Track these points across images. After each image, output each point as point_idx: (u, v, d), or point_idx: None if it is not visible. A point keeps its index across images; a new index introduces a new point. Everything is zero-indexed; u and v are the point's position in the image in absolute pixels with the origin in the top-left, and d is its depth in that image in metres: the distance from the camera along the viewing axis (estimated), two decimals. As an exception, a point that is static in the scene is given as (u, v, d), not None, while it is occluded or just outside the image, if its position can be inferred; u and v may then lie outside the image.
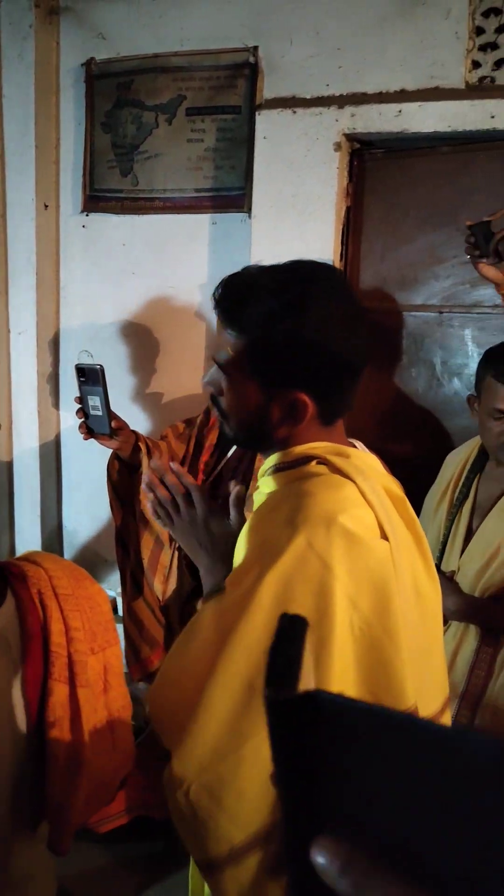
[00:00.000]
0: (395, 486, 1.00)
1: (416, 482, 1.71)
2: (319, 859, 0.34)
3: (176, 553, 2.12)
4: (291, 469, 0.96)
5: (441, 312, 2.23)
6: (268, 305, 0.91)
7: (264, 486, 1.00)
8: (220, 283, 0.97)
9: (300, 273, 0.94)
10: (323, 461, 0.94)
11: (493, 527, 1.62)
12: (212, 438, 2.09)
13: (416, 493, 1.45)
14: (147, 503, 1.14)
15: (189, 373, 2.56)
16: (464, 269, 2.17)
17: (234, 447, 1.97)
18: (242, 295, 0.94)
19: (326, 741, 0.35)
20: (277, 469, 0.98)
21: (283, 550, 0.84)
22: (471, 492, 1.72)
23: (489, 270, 1.78)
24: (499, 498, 1.64)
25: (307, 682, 0.37)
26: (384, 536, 0.90)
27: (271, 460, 0.99)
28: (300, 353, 0.91)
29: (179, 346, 2.57)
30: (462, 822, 0.32)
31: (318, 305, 0.91)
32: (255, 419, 0.97)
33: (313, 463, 0.95)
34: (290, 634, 0.39)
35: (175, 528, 1.10)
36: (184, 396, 2.58)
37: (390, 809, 0.34)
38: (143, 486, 1.14)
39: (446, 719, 1.04)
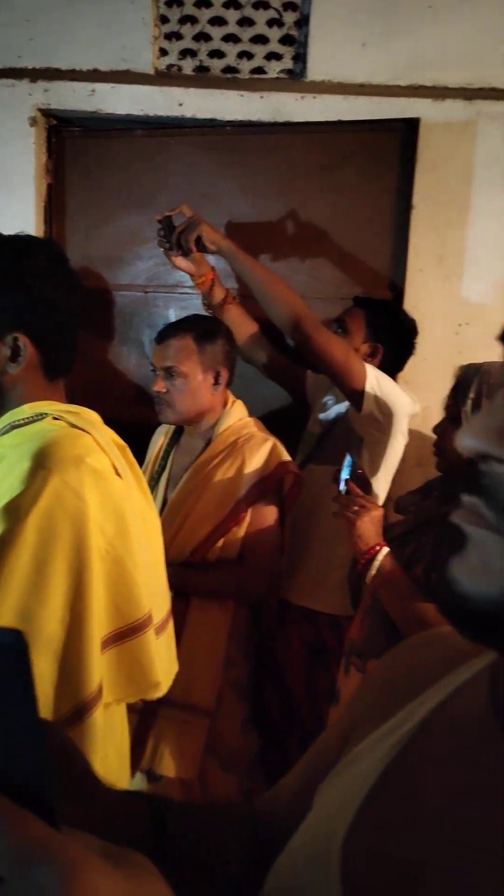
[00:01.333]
0: (118, 438, 1.18)
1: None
2: None
3: None
4: (27, 426, 1.07)
5: (146, 292, 2.31)
6: None
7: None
8: None
9: (26, 236, 1.11)
10: (57, 417, 1.08)
11: (180, 496, 1.74)
12: None
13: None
14: None
15: None
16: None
17: None
18: None
19: None
20: (13, 426, 1.07)
21: (42, 490, 0.95)
22: (168, 464, 1.83)
23: (181, 262, 1.88)
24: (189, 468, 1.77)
25: None
26: (118, 475, 1.07)
27: (5, 419, 1.08)
28: (19, 293, 1.04)
29: None
30: (6, 717, 0.36)
31: (39, 257, 1.06)
32: None
33: (49, 419, 1.07)
34: None
35: None
36: None
37: None
38: None
39: (171, 627, 1.25)
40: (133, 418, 2.34)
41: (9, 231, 1.13)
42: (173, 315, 2.31)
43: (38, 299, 1.05)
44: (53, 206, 2.29)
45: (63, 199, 2.31)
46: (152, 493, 1.82)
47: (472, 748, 0.43)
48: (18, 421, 1.08)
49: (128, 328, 2.35)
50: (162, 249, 1.91)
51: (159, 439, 1.92)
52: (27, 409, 1.08)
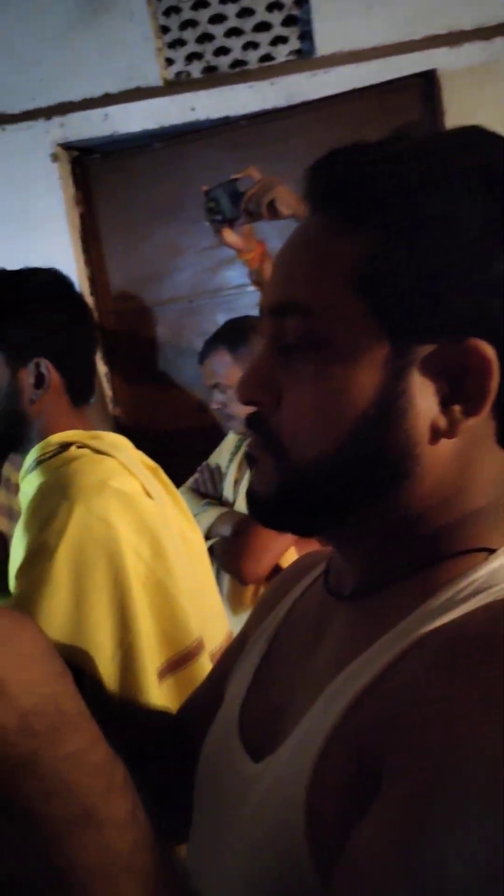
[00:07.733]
0: (148, 459, 1.11)
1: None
2: None
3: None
4: (53, 458, 1.02)
5: (191, 301, 2.30)
6: None
7: (27, 483, 1.02)
8: None
9: (28, 268, 1.07)
10: (81, 445, 1.02)
11: None
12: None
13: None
14: None
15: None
16: (200, 256, 2.25)
17: None
18: None
19: None
20: (39, 462, 1.02)
21: (67, 523, 0.89)
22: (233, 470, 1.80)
23: (230, 236, 1.72)
24: None
25: None
26: (150, 497, 1.01)
27: (31, 455, 1.04)
28: (30, 319, 1.02)
29: None
30: None
31: (43, 283, 1.04)
32: (7, 400, 1.02)
33: (73, 448, 1.02)
34: None
35: None
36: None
37: None
38: None
39: None
40: (198, 428, 2.33)
41: (49, 266, 1.12)
42: (221, 320, 2.29)
43: (50, 323, 1.03)
44: (88, 235, 2.32)
45: (96, 225, 2.33)
46: (231, 500, 1.78)
47: (314, 616, 0.60)
48: (45, 455, 1.03)
49: (179, 340, 2.34)
50: (210, 223, 1.73)
51: (229, 444, 1.89)
52: (53, 440, 1.03)
